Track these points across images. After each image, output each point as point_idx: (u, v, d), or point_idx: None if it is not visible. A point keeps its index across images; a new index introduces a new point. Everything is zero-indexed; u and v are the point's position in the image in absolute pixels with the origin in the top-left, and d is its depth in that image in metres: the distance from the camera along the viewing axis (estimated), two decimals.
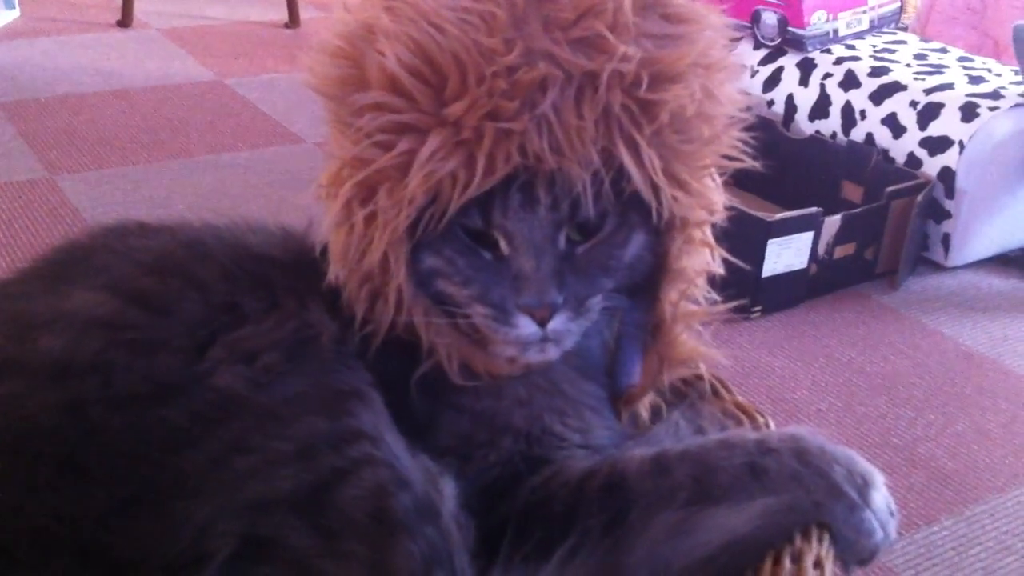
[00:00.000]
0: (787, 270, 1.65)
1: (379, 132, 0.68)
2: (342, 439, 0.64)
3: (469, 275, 0.71)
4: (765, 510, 0.68)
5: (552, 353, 0.72)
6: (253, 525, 0.60)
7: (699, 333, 0.80)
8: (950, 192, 1.78)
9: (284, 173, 2.01)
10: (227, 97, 2.43)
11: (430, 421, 0.73)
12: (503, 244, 0.70)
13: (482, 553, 0.66)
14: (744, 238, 1.62)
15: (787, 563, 0.66)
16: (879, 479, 0.71)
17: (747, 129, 0.76)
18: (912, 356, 1.57)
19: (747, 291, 1.63)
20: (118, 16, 2.86)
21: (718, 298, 0.80)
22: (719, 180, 0.77)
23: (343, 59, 0.70)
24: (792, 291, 1.67)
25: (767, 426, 0.83)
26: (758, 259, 1.62)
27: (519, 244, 0.69)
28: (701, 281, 0.78)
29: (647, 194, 0.70)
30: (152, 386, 0.63)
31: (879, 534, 0.70)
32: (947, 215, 1.80)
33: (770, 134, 1.98)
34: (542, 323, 0.69)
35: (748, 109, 0.76)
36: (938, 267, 1.84)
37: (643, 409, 0.82)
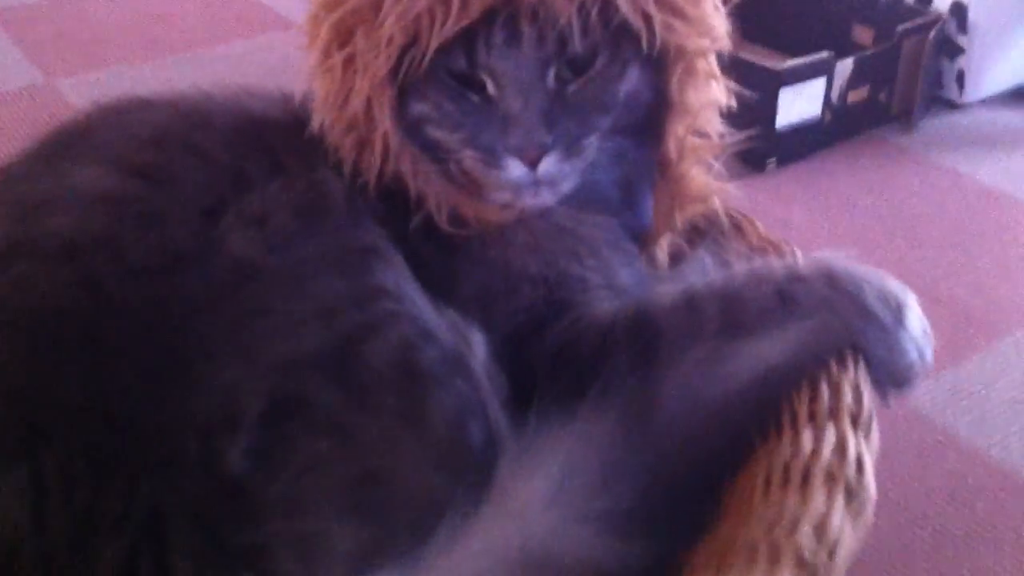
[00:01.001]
0: (800, 119, 1.62)
1: None
2: (363, 296, 0.64)
3: (457, 119, 0.70)
4: (797, 337, 0.67)
5: (547, 197, 0.71)
6: (280, 384, 0.60)
7: (710, 168, 0.79)
8: (962, 27, 1.74)
9: (282, 60, 1.98)
10: None
11: (448, 274, 0.72)
12: (490, 85, 0.68)
13: (514, 402, 0.66)
14: (755, 89, 1.60)
15: (824, 390, 0.66)
16: (912, 299, 0.70)
17: None
18: (930, 197, 1.55)
19: (761, 143, 1.60)
20: None
21: (731, 131, 0.78)
22: (721, 6, 0.74)
23: None
24: (807, 140, 1.65)
25: (794, 256, 0.82)
26: (771, 110, 1.59)
27: (505, 83, 0.67)
28: (709, 114, 0.76)
29: (636, 22, 0.68)
30: (164, 256, 0.63)
31: (914, 354, 0.69)
32: (960, 51, 1.76)
33: None
34: (532, 165, 0.68)
35: None
36: (953, 105, 1.80)
37: (661, 251, 0.81)
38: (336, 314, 0.62)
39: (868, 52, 1.70)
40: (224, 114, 0.74)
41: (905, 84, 1.73)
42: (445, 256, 0.72)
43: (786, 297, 0.69)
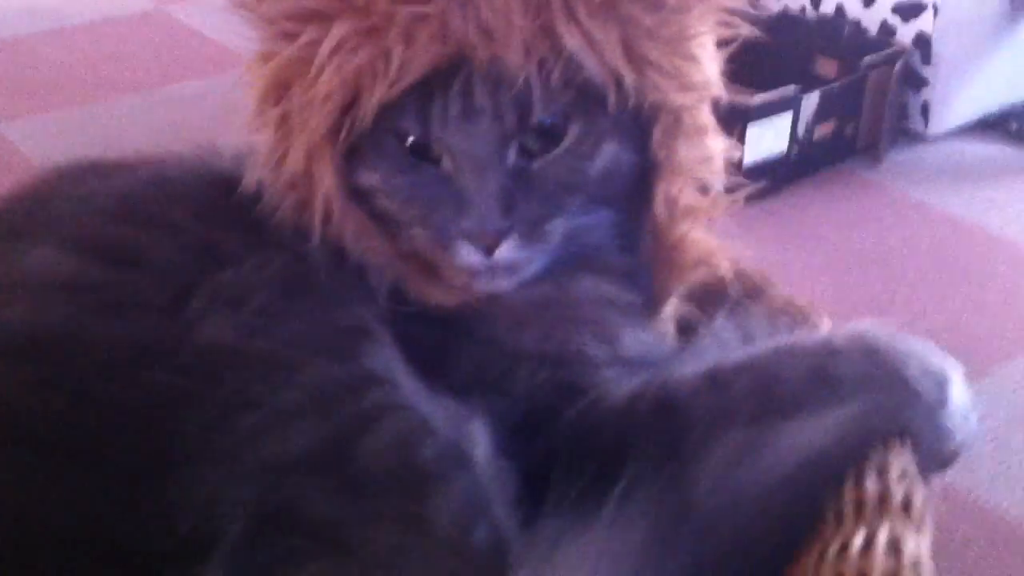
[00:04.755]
0: (768, 154, 1.60)
1: (283, 19, 0.61)
2: (357, 383, 0.57)
3: (409, 194, 0.63)
4: (841, 420, 0.60)
5: (504, 284, 0.64)
6: (268, 490, 0.53)
7: (713, 226, 0.72)
8: (927, 58, 1.73)
9: (240, 100, 1.93)
10: (169, 26, 2.32)
11: (439, 354, 0.65)
12: (445, 159, 0.62)
13: (526, 499, 0.58)
14: (721, 125, 1.58)
15: (872, 478, 0.59)
16: (957, 373, 0.64)
17: None
18: (901, 230, 1.54)
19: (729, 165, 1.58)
20: None
21: (743, 181, 0.70)
22: (713, 51, 0.66)
23: None
24: (775, 175, 1.63)
25: (823, 322, 0.75)
26: (739, 147, 1.57)
27: (461, 160, 0.61)
28: (705, 170, 0.68)
29: (604, 80, 0.61)
30: (131, 349, 0.56)
31: (960, 434, 0.63)
32: (925, 82, 1.75)
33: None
34: (488, 251, 0.62)
35: None
36: (919, 137, 1.79)
37: (668, 320, 0.74)
38: (329, 405, 0.56)
39: (834, 86, 1.68)
40: (191, 179, 0.67)
41: (871, 117, 1.72)
42: (435, 333, 0.65)
43: (823, 375, 0.62)
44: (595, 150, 0.64)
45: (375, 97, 0.60)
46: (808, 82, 1.69)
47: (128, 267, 0.60)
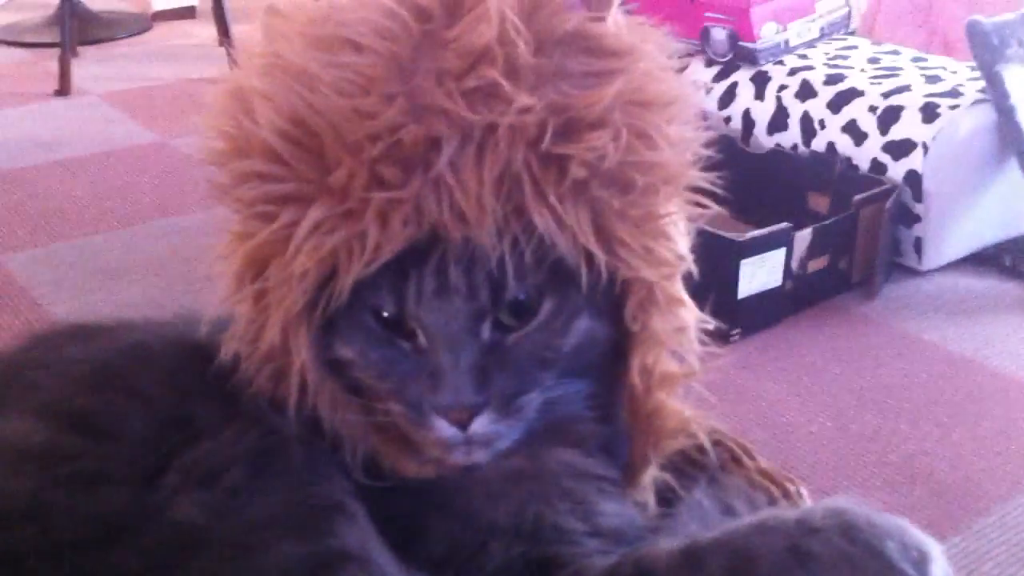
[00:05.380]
0: (762, 289, 1.61)
1: (260, 202, 0.62)
2: (325, 564, 0.57)
3: (384, 368, 0.64)
4: None
5: (479, 456, 0.64)
6: None
7: (689, 395, 0.73)
8: (918, 195, 1.76)
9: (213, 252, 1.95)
10: (174, 158, 2.37)
11: (413, 528, 0.65)
12: (419, 335, 0.63)
13: None
14: (715, 260, 1.59)
15: None
16: (936, 550, 0.64)
17: (708, 164, 0.69)
18: (898, 366, 1.53)
19: (724, 314, 1.58)
20: (56, 85, 2.79)
21: (709, 345, 0.73)
22: (683, 227, 0.69)
23: (223, 125, 0.64)
24: (769, 310, 1.63)
25: (799, 494, 0.75)
26: (732, 281, 1.58)
27: (435, 336, 0.62)
28: (680, 339, 0.70)
29: (575, 260, 0.62)
30: (97, 527, 0.56)
31: None
32: (917, 219, 1.77)
33: (730, 150, 1.95)
34: (462, 426, 0.62)
35: (709, 145, 0.69)
36: (913, 272, 1.80)
37: (645, 490, 0.74)
38: None
39: (826, 222, 1.70)
40: (168, 349, 0.68)
41: (864, 252, 1.73)
42: (409, 506, 0.65)
43: (800, 553, 0.62)
44: (569, 325, 0.65)
45: (350, 275, 0.61)
46: (800, 217, 1.71)
47: (102, 438, 0.61)
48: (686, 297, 0.70)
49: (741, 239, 1.56)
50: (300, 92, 0.61)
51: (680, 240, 0.68)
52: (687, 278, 0.70)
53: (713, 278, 1.56)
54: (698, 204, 0.69)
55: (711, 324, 0.72)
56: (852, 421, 1.40)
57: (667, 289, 0.68)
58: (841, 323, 1.66)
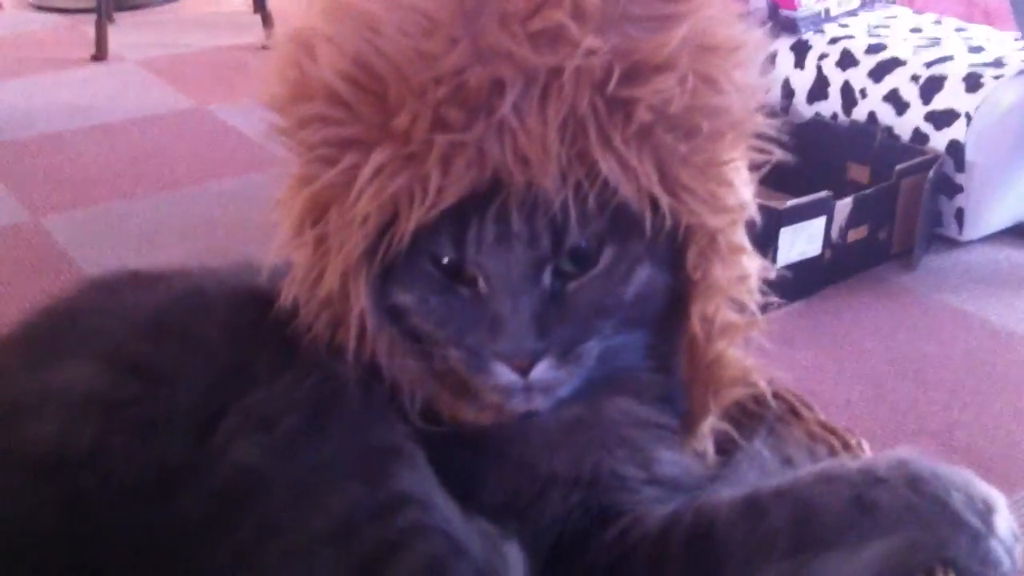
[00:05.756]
0: (801, 258, 1.59)
1: (323, 146, 0.62)
2: (387, 507, 0.57)
3: (443, 314, 0.63)
4: (884, 553, 0.60)
5: (540, 403, 0.64)
6: None
7: (750, 345, 0.72)
8: (960, 165, 1.73)
9: (273, 199, 1.95)
10: (209, 124, 2.38)
11: (473, 475, 0.65)
12: (480, 281, 0.62)
13: None
14: (756, 228, 1.58)
15: None
16: (1001, 502, 0.64)
17: (772, 111, 0.68)
18: (937, 337, 1.52)
19: (763, 283, 1.57)
20: (92, 51, 2.80)
21: (774, 299, 0.71)
22: (746, 174, 0.68)
23: (286, 69, 0.64)
24: (808, 279, 1.62)
25: (860, 447, 0.74)
26: (771, 249, 1.56)
27: (495, 283, 0.61)
28: (741, 289, 0.69)
29: (639, 205, 0.62)
30: (160, 471, 0.57)
31: (1006, 563, 0.62)
32: (959, 189, 1.75)
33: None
34: (522, 372, 0.61)
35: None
36: (953, 243, 1.78)
37: (705, 440, 0.72)
38: (356, 531, 0.56)
39: (867, 191, 1.68)
40: (226, 295, 0.68)
41: (904, 222, 1.71)
42: (468, 454, 0.65)
43: (865, 504, 0.61)
44: (630, 273, 0.64)
45: (412, 221, 0.60)
46: (840, 187, 1.69)
47: (161, 384, 0.61)
48: (748, 245, 0.69)
49: (781, 207, 1.55)
50: (364, 34, 0.60)
51: (743, 187, 0.67)
52: (750, 226, 0.69)
53: (753, 246, 1.57)
54: (762, 151, 0.67)
55: (773, 273, 0.70)
56: (890, 392, 1.38)
57: (729, 237, 0.67)
58: (880, 294, 1.64)
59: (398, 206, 0.60)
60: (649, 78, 0.60)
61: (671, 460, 0.68)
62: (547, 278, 0.62)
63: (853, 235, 1.66)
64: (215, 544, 0.54)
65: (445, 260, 0.63)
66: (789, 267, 1.58)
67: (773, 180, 1.97)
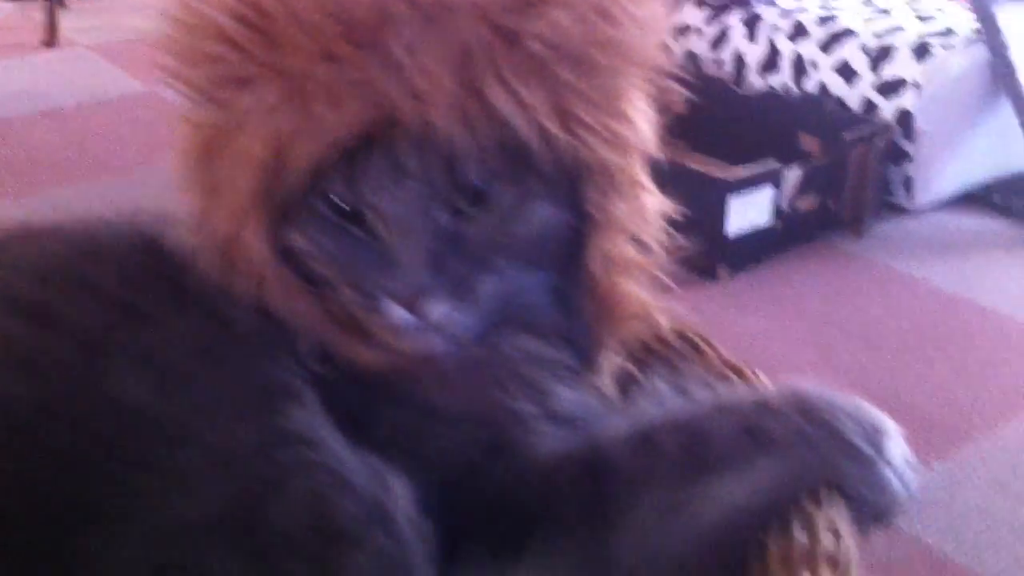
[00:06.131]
0: (751, 227, 1.60)
1: (212, 86, 0.60)
2: (270, 443, 0.56)
3: (338, 256, 0.61)
4: (769, 475, 0.59)
5: (434, 344, 0.62)
6: (170, 554, 0.52)
7: (650, 281, 0.71)
8: (909, 134, 1.74)
9: None
10: (161, 108, 2.35)
11: (366, 415, 0.63)
12: (371, 219, 0.61)
13: (445, 559, 0.57)
14: (705, 199, 1.59)
15: (797, 534, 0.57)
16: (892, 428, 0.62)
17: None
18: (885, 302, 1.52)
19: (713, 252, 1.58)
20: (43, 36, 2.76)
21: (676, 239, 0.71)
22: (647, 110, 0.65)
23: (172, 7, 0.62)
24: (758, 248, 1.62)
25: (759, 381, 0.74)
26: (721, 219, 1.57)
27: (389, 222, 0.60)
28: (642, 224, 0.67)
29: (535, 142, 0.60)
30: (37, 406, 0.56)
31: (897, 488, 0.61)
32: (907, 157, 1.76)
33: (722, 92, 1.93)
34: (415, 311, 0.60)
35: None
36: (902, 210, 1.79)
37: (606, 377, 0.71)
38: (238, 466, 0.55)
39: (816, 161, 1.69)
40: (118, 241, 0.66)
41: (854, 191, 1.72)
42: (362, 395, 0.63)
43: (756, 432, 0.60)
44: (527, 211, 0.63)
45: (303, 160, 0.59)
46: (792, 158, 1.70)
47: (46, 325, 0.59)
48: (648, 182, 0.67)
49: (730, 178, 1.55)
50: None
51: (643, 123, 0.65)
52: (651, 164, 0.67)
53: (703, 216, 1.57)
54: (665, 91, 0.66)
55: (676, 213, 0.69)
56: (837, 356, 1.39)
57: (629, 173, 0.65)
58: (829, 261, 1.65)
59: (288, 145, 0.59)
60: (542, 11, 0.59)
61: (568, 397, 0.66)
62: (443, 217, 0.61)
63: (803, 204, 1.67)
64: (85, 478, 0.54)
65: (339, 200, 0.61)
66: (740, 237, 1.59)
67: (724, 152, 1.99)
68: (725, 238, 1.57)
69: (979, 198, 1.83)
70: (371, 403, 0.63)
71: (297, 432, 0.57)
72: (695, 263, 1.58)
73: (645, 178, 0.66)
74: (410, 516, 0.57)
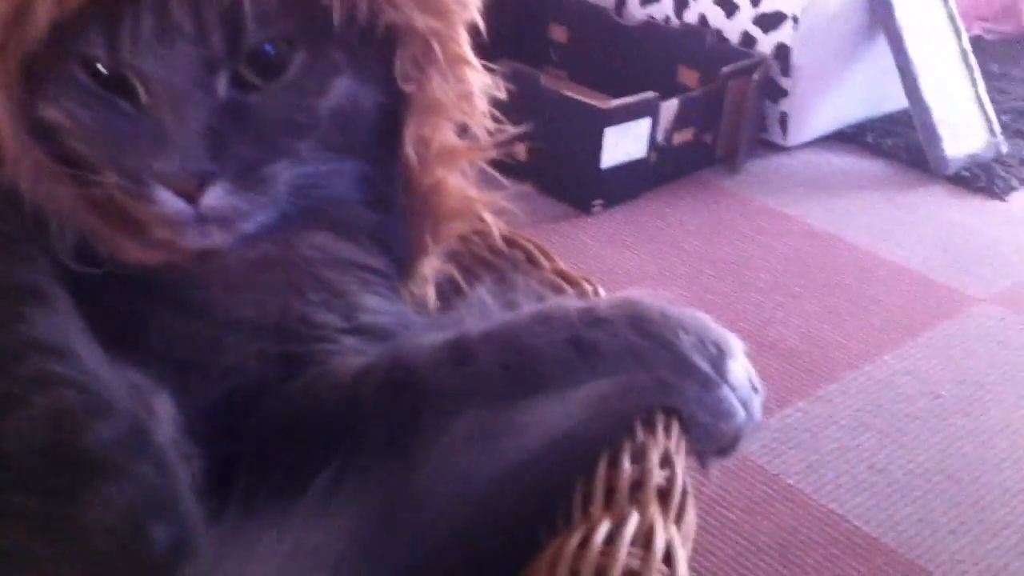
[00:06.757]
0: (626, 159, 1.57)
1: None
2: (9, 354, 0.47)
3: (98, 132, 0.53)
4: (595, 396, 0.52)
5: (217, 239, 0.54)
6: None
7: (477, 177, 0.62)
8: (785, 69, 1.73)
9: None
10: None
11: (136, 321, 0.55)
12: (140, 90, 0.52)
13: (218, 491, 0.49)
14: (580, 129, 1.55)
15: (626, 463, 0.51)
16: (737, 346, 0.56)
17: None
18: (757, 239, 1.52)
19: (587, 185, 1.55)
20: None
21: (507, 126, 0.62)
22: None
23: None
24: (633, 182, 1.60)
25: (596, 294, 0.64)
26: (596, 150, 1.53)
27: (156, 90, 0.51)
28: (466, 107, 0.60)
29: (329, 1, 0.52)
30: None
31: (740, 415, 0.56)
32: (784, 93, 1.75)
33: (602, 22, 1.89)
34: (191, 198, 0.52)
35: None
36: (777, 148, 1.79)
37: (426, 285, 0.64)
38: None
39: (693, 94, 1.67)
40: None
41: (730, 126, 1.71)
42: (130, 298, 0.55)
43: (583, 346, 0.54)
44: (326, 84, 0.55)
45: (47, 12, 0.50)
46: (671, 91, 1.67)
47: None
48: (472, 57, 0.59)
49: (606, 107, 1.51)
50: None
51: None
52: (474, 35, 0.60)
53: (577, 147, 1.54)
54: None
55: (503, 92, 0.61)
56: (708, 291, 1.38)
57: (448, 44, 0.58)
58: (703, 196, 1.64)
59: (28, 7, 0.50)
60: None
61: (378, 307, 0.60)
62: (222, 87, 0.53)
63: (679, 138, 1.64)
64: None
65: (99, 65, 0.52)
66: (615, 169, 1.56)
67: (603, 82, 1.93)
68: (600, 170, 1.54)
69: (853, 136, 1.84)
70: (140, 308, 0.55)
71: (42, 341, 0.49)
72: (569, 195, 1.55)
73: (470, 53, 0.59)
74: (176, 441, 0.49)
